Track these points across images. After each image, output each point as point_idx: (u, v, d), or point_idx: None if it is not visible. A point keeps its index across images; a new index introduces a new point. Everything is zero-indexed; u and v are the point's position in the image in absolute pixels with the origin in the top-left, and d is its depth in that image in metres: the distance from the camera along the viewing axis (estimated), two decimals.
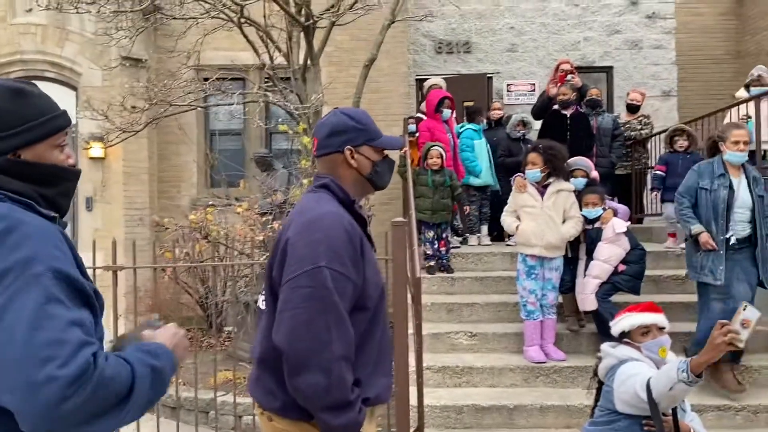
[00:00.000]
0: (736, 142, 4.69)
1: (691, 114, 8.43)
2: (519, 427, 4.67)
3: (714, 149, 4.89)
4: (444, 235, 6.43)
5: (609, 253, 5.20)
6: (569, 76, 7.37)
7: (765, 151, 6.21)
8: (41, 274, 1.27)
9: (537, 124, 7.65)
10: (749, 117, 6.43)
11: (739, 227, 4.68)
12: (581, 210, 5.33)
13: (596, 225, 5.34)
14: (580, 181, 5.60)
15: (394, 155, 7.31)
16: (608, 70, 10.32)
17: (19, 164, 1.42)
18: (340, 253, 1.94)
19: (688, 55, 10.82)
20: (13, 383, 1.22)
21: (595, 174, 5.89)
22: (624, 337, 2.98)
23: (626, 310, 3.04)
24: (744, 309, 2.39)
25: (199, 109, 7.34)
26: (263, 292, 2.17)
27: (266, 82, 8.08)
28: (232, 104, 6.37)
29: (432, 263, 6.34)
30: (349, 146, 2.14)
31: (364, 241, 2.05)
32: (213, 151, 9.13)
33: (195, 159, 9.03)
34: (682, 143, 6.46)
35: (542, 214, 5.20)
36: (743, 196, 4.71)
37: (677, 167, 6.43)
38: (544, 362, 5.12)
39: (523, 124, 7.42)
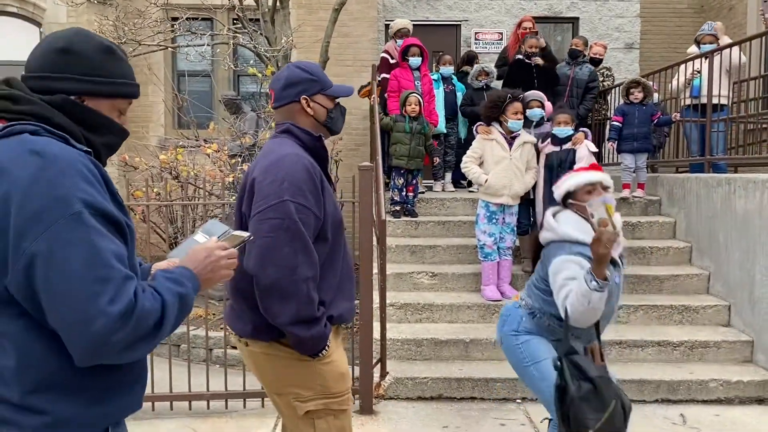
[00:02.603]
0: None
1: (653, 67, 8.66)
2: (474, 359, 5.01)
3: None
4: (413, 181, 6.65)
5: None
6: (529, 35, 7.48)
7: (722, 105, 6.51)
8: (81, 211, 1.34)
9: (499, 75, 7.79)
10: (699, 72, 6.70)
11: None
12: (552, 130, 5.58)
13: (566, 146, 5.53)
14: (537, 112, 5.88)
15: (354, 104, 7.45)
16: (574, 21, 10.46)
17: (78, 106, 1.50)
18: (302, 188, 2.17)
19: (652, 8, 11.01)
20: (65, 316, 1.33)
21: (549, 106, 6.17)
22: (569, 198, 3.05)
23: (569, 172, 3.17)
24: (592, 216, 2.75)
25: (168, 49, 7.30)
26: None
27: (235, 24, 8.04)
28: (202, 45, 6.37)
29: (398, 208, 6.57)
30: (304, 95, 2.36)
31: (323, 179, 2.28)
32: (181, 92, 9.09)
33: (163, 99, 8.99)
34: (637, 95, 6.70)
35: (510, 165, 5.45)
36: None
37: (633, 118, 6.68)
38: (500, 300, 5.45)
39: (486, 73, 7.57)
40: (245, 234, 1.80)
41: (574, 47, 7.78)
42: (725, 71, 6.44)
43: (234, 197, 5.51)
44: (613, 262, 2.88)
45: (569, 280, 2.80)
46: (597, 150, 5.54)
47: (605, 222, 2.66)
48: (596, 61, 8.10)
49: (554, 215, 3.06)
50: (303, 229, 2.16)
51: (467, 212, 6.80)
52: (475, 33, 10.34)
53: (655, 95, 7.23)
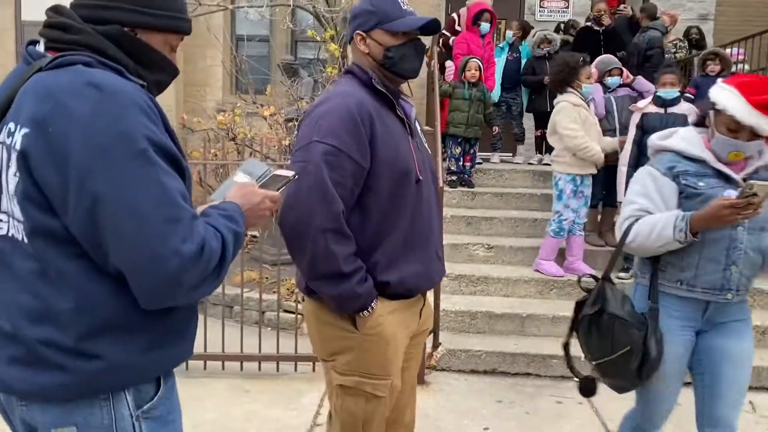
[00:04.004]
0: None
1: (727, 39, 8.20)
2: (530, 335, 4.87)
3: None
4: (471, 151, 6.47)
5: None
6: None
7: None
8: (146, 148, 1.28)
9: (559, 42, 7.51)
10: None
11: None
12: (657, 91, 5.25)
13: (673, 109, 5.17)
14: (616, 80, 5.63)
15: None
16: None
17: (130, 38, 1.42)
18: (335, 128, 1.93)
19: None
20: (136, 257, 1.28)
21: (626, 72, 5.90)
22: (708, 108, 2.37)
23: (739, 82, 2.30)
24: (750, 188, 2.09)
25: (228, 9, 7.26)
26: None
27: None
28: (261, 6, 6.29)
29: (454, 178, 6.42)
30: (359, 31, 2.07)
31: (375, 121, 1.98)
32: (240, 56, 9.09)
33: (222, 62, 9.00)
34: (713, 67, 6.35)
35: (599, 130, 5.23)
36: None
37: (706, 91, 6.33)
38: (562, 276, 5.26)
39: (548, 41, 7.29)
40: (289, 173, 1.69)
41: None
42: None
43: (289, 159, 5.45)
44: (727, 178, 2.32)
45: (640, 197, 2.38)
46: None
47: (754, 200, 2.08)
48: (665, 30, 7.71)
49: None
50: (326, 174, 1.90)
51: (525, 184, 6.61)
52: (540, 0, 9.98)
53: (742, 66, 6.74)
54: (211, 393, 4.11)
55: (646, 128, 5.20)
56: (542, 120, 6.97)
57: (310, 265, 1.97)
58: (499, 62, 7.26)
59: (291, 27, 6.83)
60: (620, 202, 5.50)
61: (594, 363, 2.45)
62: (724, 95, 2.27)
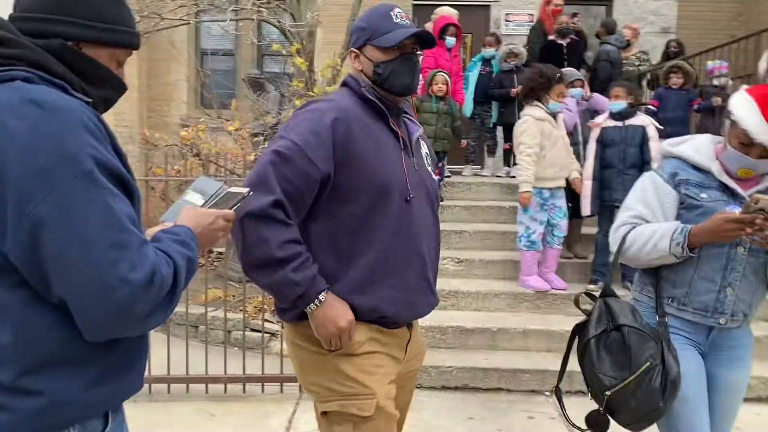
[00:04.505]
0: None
1: (688, 52, 8.34)
2: (501, 349, 4.82)
3: None
4: (440, 164, 6.45)
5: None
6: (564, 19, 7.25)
7: None
8: (92, 169, 1.20)
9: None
10: None
11: None
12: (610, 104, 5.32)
13: (631, 122, 5.23)
14: (578, 92, 5.67)
15: None
16: (608, 4, 10.14)
17: (74, 53, 1.34)
18: (302, 128, 1.87)
19: None
20: (81, 286, 1.20)
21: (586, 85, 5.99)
22: (727, 118, 2.19)
23: (759, 92, 2.11)
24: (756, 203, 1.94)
25: (192, 23, 7.16)
26: None
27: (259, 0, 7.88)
28: (225, 21, 6.21)
29: None
30: (352, 48, 2.04)
31: (355, 130, 1.90)
32: (204, 70, 8.99)
33: (186, 77, 8.88)
34: (676, 80, 6.45)
35: (564, 144, 5.21)
36: None
37: (669, 103, 6.43)
38: (547, 290, 5.24)
39: (514, 55, 7.33)
40: (243, 190, 1.63)
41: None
42: None
43: None
44: (734, 193, 2.17)
45: (638, 203, 2.24)
46: (662, 127, 5.25)
47: (762, 215, 1.93)
48: (624, 44, 7.82)
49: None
50: (270, 164, 1.83)
51: (495, 197, 6.61)
52: (506, 14, 10.06)
53: (724, 79, 6.76)
54: (176, 418, 3.96)
55: (605, 142, 5.27)
56: (511, 133, 6.98)
57: (243, 254, 1.86)
58: (473, 76, 7.28)
59: (255, 42, 6.74)
60: (585, 216, 5.52)
61: (608, 394, 2.12)
62: (743, 106, 2.09)
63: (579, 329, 2.28)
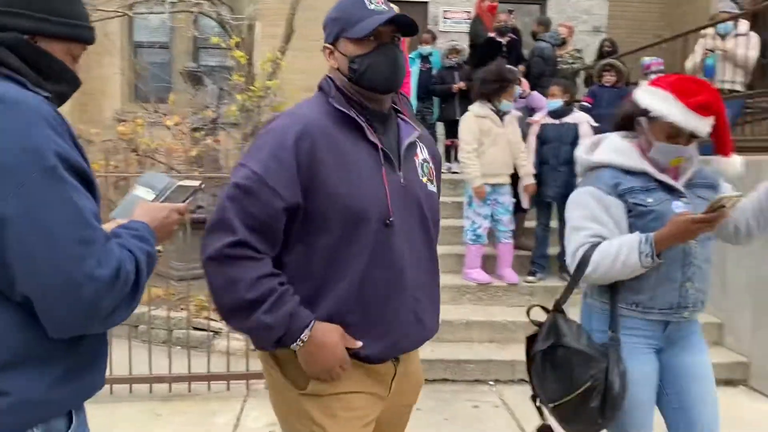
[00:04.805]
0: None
1: (620, 50, 8.65)
2: (445, 341, 4.91)
3: None
4: None
5: None
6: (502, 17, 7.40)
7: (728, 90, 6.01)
8: (56, 165, 1.19)
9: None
10: (712, 51, 6.30)
11: None
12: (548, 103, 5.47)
13: (566, 119, 5.40)
14: (518, 90, 5.83)
15: None
16: (542, 2, 10.41)
17: (31, 48, 1.31)
18: (264, 152, 1.65)
19: None
20: (47, 284, 1.18)
21: (525, 82, 6.13)
22: (639, 117, 2.20)
23: (671, 84, 2.14)
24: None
25: (129, 15, 6.96)
26: None
27: None
28: (163, 13, 6.07)
29: None
30: (326, 44, 1.79)
31: (320, 149, 1.65)
32: (139, 63, 8.75)
33: (120, 70, 8.62)
34: (609, 78, 6.67)
35: (507, 141, 5.30)
36: None
37: (602, 100, 6.65)
38: (490, 283, 5.36)
39: (456, 51, 7.44)
40: (194, 182, 1.65)
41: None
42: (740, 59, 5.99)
43: (198, 171, 5.27)
44: (672, 189, 2.19)
45: (589, 222, 2.16)
46: (597, 124, 5.44)
47: (723, 212, 1.98)
48: (560, 41, 8.05)
49: (595, 145, 2.35)
50: (229, 201, 1.63)
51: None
52: (444, 11, 10.19)
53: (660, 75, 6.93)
54: (120, 418, 3.88)
55: (543, 139, 5.44)
56: (452, 129, 7.10)
57: (215, 300, 1.68)
58: (413, 73, 7.35)
59: (196, 34, 6.62)
60: (527, 209, 5.67)
61: (552, 406, 2.17)
62: (659, 101, 2.11)
63: (530, 340, 2.27)
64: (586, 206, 2.17)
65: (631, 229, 2.14)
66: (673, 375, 2.24)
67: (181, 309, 5.28)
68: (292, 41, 6.75)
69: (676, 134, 2.12)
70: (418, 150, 1.88)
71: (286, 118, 1.72)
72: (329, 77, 1.81)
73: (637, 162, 2.17)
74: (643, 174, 2.16)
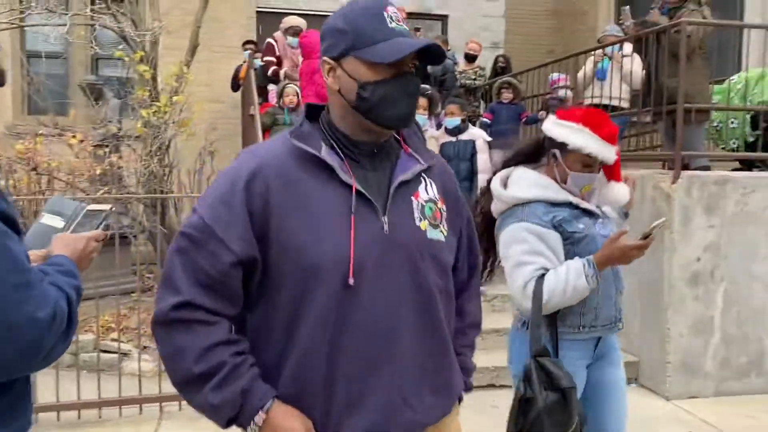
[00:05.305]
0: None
1: (515, 67, 9.09)
2: None
3: None
4: None
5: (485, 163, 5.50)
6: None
7: (612, 106, 6.22)
8: None
9: None
10: (606, 56, 6.47)
11: None
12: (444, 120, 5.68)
13: (463, 137, 5.63)
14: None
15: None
16: (444, 19, 10.76)
17: None
18: (215, 197, 1.44)
19: (515, 9, 11.55)
20: None
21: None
22: (551, 147, 2.36)
23: (582, 117, 2.32)
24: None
25: (23, 27, 6.66)
26: None
27: (95, 3, 7.47)
28: (64, 25, 5.87)
29: None
30: (325, 58, 1.48)
31: (275, 192, 1.41)
32: (31, 74, 8.35)
33: (10, 81, 8.20)
34: (507, 95, 7.03)
35: None
36: None
37: (502, 116, 7.01)
38: None
39: None
40: (104, 207, 1.64)
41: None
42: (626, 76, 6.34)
43: (103, 191, 5.13)
44: (591, 213, 2.38)
45: (532, 256, 2.24)
46: (491, 139, 5.70)
47: (651, 239, 2.19)
48: (472, 57, 8.39)
49: (505, 179, 2.44)
50: (177, 255, 1.43)
51: None
52: None
53: (564, 92, 7.10)
54: None
55: (443, 157, 5.66)
56: None
57: (166, 370, 1.46)
58: None
59: (97, 50, 6.43)
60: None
61: None
62: (576, 134, 2.27)
63: (526, 402, 2.18)
64: (526, 241, 2.26)
65: (569, 255, 2.27)
66: (593, 386, 2.39)
67: (85, 331, 5.12)
68: (196, 53, 6.70)
69: (590, 163, 2.31)
70: (421, 188, 1.54)
71: (242, 156, 1.51)
72: (307, 107, 1.58)
73: (561, 193, 2.32)
74: (566, 203, 2.31)
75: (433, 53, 1.48)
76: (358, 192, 1.44)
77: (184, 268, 1.41)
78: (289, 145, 1.47)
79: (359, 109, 1.45)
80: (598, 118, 2.32)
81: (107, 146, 6.04)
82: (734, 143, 5.61)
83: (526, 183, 2.34)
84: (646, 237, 2.18)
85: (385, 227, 1.45)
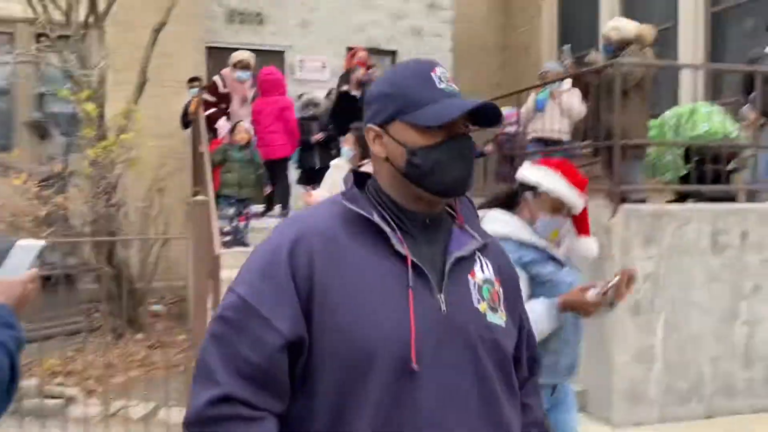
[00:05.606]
0: None
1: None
2: None
3: None
4: (245, 211, 6.56)
5: None
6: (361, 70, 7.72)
7: (555, 140, 6.53)
8: None
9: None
10: (546, 86, 6.65)
11: None
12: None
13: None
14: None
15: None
16: (393, 54, 10.98)
17: None
18: (253, 271, 1.29)
19: (462, 44, 11.88)
20: None
21: None
22: (524, 190, 2.44)
23: (557, 165, 2.43)
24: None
25: None
26: None
27: (40, 41, 7.40)
28: (7, 63, 5.80)
29: (228, 239, 6.43)
30: (371, 125, 1.36)
31: (320, 264, 1.25)
32: None
33: None
34: None
35: None
36: None
37: None
38: None
39: (314, 104, 7.70)
40: (38, 243, 1.58)
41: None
42: (565, 111, 6.57)
43: (49, 233, 5.05)
44: (557, 260, 2.43)
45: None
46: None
47: (621, 292, 2.23)
48: None
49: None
50: (213, 341, 1.25)
51: None
52: (300, 60, 10.45)
53: (515, 127, 7.04)
54: None
55: None
56: (314, 177, 7.23)
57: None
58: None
59: (43, 90, 6.35)
60: None
61: None
62: (550, 179, 2.35)
63: None
64: None
65: (536, 295, 2.30)
66: None
67: (29, 375, 4.98)
68: (145, 89, 6.68)
69: (559, 208, 2.37)
70: (477, 267, 1.39)
71: (283, 224, 1.38)
72: (357, 174, 1.42)
73: (531, 236, 2.36)
74: (533, 247, 2.35)
75: (488, 113, 1.34)
76: (413, 265, 1.28)
77: (221, 356, 1.22)
78: (337, 208, 1.33)
79: (410, 177, 1.32)
80: (571, 168, 2.42)
81: (53, 186, 5.95)
82: (668, 176, 5.86)
83: (500, 222, 2.37)
84: (606, 291, 2.21)
85: (443, 306, 1.29)
